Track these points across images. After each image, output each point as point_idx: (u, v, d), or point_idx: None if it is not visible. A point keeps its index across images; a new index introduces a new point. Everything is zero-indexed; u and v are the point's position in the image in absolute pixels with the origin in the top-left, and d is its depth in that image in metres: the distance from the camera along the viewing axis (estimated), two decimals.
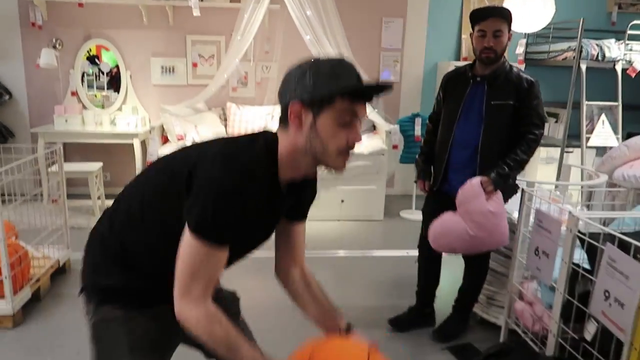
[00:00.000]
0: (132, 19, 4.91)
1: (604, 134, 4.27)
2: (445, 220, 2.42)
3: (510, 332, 2.54)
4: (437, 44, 5.22)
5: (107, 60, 5.02)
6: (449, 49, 5.25)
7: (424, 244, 2.68)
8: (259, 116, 4.87)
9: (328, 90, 1.11)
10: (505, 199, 2.45)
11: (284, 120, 1.17)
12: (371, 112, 4.69)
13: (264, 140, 1.19)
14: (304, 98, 1.13)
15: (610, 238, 1.84)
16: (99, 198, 4.59)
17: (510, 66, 2.42)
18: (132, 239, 1.23)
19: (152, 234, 1.21)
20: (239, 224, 1.12)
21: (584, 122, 4.44)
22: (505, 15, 2.33)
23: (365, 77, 1.09)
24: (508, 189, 2.45)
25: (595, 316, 1.90)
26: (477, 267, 2.62)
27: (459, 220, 2.34)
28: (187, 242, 1.11)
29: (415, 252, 2.81)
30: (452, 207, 2.43)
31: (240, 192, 1.10)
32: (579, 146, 4.49)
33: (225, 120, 4.94)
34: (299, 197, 1.34)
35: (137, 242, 1.23)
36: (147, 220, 1.21)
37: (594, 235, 1.95)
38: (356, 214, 4.64)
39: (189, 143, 4.42)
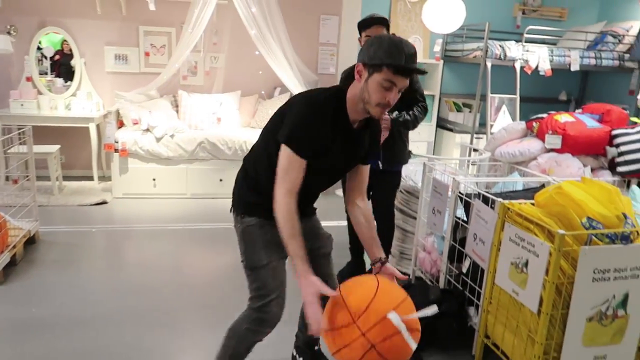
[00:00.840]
0: (86, 9, 5.19)
1: (504, 122, 5.07)
2: None
3: (416, 278, 3.23)
4: None
5: (48, 43, 5.26)
6: None
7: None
8: (208, 103, 5.31)
9: (379, 61, 1.60)
10: (403, 163, 3.14)
11: (353, 74, 1.72)
12: None
13: (336, 89, 1.76)
14: (365, 61, 1.64)
15: (478, 195, 2.53)
16: (57, 179, 4.90)
17: None
18: (259, 172, 1.84)
19: (269, 167, 1.76)
20: (314, 140, 1.67)
21: (489, 112, 5.24)
22: (385, 23, 2.96)
23: (412, 59, 1.61)
24: (405, 156, 3.13)
25: (468, 254, 2.60)
26: (384, 222, 3.25)
27: None
28: (281, 151, 1.69)
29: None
30: None
31: (313, 117, 1.67)
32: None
33: (177, 106, 5.35)
34: (366, 144, 1.85)
35: (262, 173, 1.82)
36: (265, 157, 1.80)
37: (469, 195, 2.64)
38: None
39: (144, 127, 4.81)
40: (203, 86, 5.60)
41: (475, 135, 5.44)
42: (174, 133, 4.89)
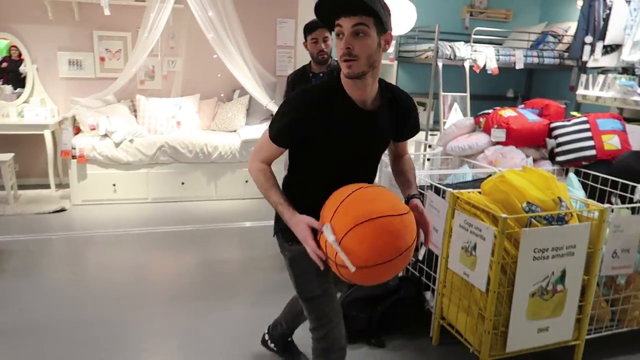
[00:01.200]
0: (37, 14, 5.09)
1: (456, 119, 5.31)
2: None
3: None
4: None
5: None
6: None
7: None
8: (166, 107, 5.31)
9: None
10: None
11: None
12: (269, 103, 5.34)
13: (335, 77, 1.68)
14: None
15: (431, 187, 2.70)
16: (12, 188, 4.79)
17: (337, 62, 3.18)
18: (293, 190, 1.74)
19: (299, 183, 1.75)
20: (288, 128, 1.62)
21: (442, 110, 5.47)
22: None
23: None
24: None
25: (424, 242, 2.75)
26: None
27: None
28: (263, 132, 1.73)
29: None
30: None
31: (294, 105, 1.62)
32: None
33: (135, 111, 5.33)
34: (398, 123, 1.77)
35: (295, 190, 1.75)
36: (294, 172, 1.79)
37: (422, 187, 2.80)
38: (259, 193, 5.28)
39: (102, 133, 4.76)
40: (161, 90, 5.59)
41: (430, 132, 5.66)
42: (133, 138, 4.87)
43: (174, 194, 5.06)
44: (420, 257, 2.85)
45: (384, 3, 1.54)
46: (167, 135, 5.09)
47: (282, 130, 1.65)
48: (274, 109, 5.46)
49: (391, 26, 1.60)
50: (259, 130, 5.25)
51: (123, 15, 5.27)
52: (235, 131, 5.41)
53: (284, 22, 5.82)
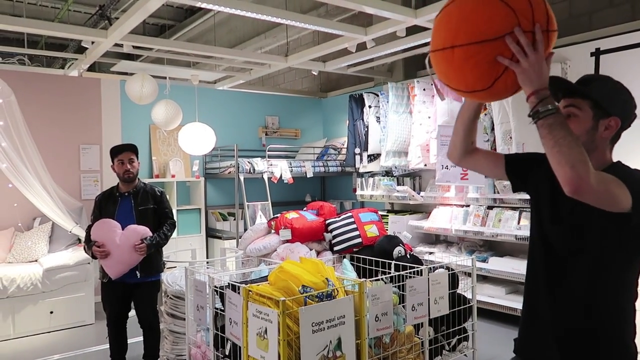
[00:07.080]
0: None
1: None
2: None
3: None
4: None
5: None
6: (143, 169, 6.35)
7: (110, 321, 3.63)
8: None
9: None
10: (160, 271, 3.64)
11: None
12: (74, 227, 5.27)
13: None
14: None
15: (228, 286, 3.08)
16: None
17: (144, 183, 3.72)
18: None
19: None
20: None
21: (249, 218, 6.05)
22: (134, 149, 3.63)
23: None
24: (161, 265, 3.66)
25: (228, 337, 3.06)
26: (149, 331, 3.65)
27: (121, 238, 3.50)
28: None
29: None
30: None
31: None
32: None
33: None
34: None
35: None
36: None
37: (222, 287, 3.17)
38: (67, 322, 4.99)
39: None
40: None
41: (240, 238, 6.15)
42: None
43: None
44: (227, 352, 3.15)
45: (613, 89, 1.57)
46: None
47: None
48: (80, 233, 5.39)
49: (619, 112, 1.55)
50: (64, 256, 5.10)
51: None
52: (36, 260, 5.13)
53: (87, 147, 5.95)
